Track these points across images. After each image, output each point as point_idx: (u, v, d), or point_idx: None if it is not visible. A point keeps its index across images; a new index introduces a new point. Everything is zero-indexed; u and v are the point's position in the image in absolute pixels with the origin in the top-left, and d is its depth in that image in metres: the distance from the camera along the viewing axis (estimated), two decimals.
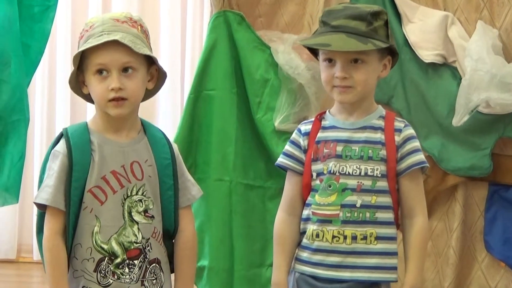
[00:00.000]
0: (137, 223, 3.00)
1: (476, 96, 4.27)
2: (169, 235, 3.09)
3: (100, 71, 2.96)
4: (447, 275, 4.49)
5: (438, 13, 4.45)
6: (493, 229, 4.48)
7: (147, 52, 3.00)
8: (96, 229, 2.97)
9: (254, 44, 4.48)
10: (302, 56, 4.41)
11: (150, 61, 3.04)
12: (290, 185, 3.28)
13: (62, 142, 3.01)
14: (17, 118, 3.99)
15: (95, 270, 2.97)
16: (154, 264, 3.03)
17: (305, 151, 3.24)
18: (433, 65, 4.42)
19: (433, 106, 4.44)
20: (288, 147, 3.29)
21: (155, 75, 3.07)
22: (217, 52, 4.50)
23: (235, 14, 4.49)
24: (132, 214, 2.99)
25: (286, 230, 3.25)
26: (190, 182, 3.16)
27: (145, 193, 3.02)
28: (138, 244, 3.00)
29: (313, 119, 3.28)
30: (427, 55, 4.40)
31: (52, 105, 7.52)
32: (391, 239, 3.19)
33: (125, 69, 2.97)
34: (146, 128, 3.11)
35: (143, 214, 3.01)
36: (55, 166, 2.98)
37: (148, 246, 3.02)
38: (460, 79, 4.36)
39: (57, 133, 7.79)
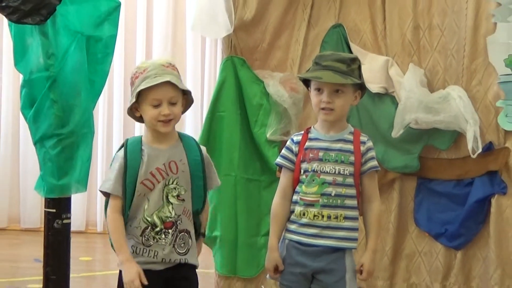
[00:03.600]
0: (171, 203, 3.03)
1: (408, 116, 4.28)
2: (198, 213, 3.12)
3: (155, 103, 3.00)
4: (388, 242, 4.46)
5: (381, 58, 4.43)
6: (420, 210, 4.46)
7: (186, 88, 3.06)
8: (146, 207, 3.02)
9: (252, 79, 4.47)
10: (286, 88, 4.41)
11: (183, 92, 3.09)
12: (284, 178, 3.30)
13: (122, 149, 3.06)
14: (86, 131, 3.96)
15: (140, 235, 3.02)
16: (183, 233, 3.06)
17: (296, 155, 3.26)
18: (378, 94, 4.40)
19: (378, 123, 4.43)
20: (284, 151, 3.32)
21: (185, 102, 3.11)
22: (226, 85, 4.48)
23: (239, 59, 4.48)
24: (169, 197, 3.03)
25: (279, 210, 3.28)
26: (215, 174, 3.20)
27: (178, 183, 3.04)
28: (171, 218, 3.03)
29: (302, 132, 3.31)
30: (374, 87, 4.37)
31: (110, 122, 7.55)
32: (355, 219, 3.25)
33: (171, 102, 3.01)
34: (182, 137, 3.14)
35: (176, 197, 3.03)
36: (116, 165, 3.03)
37: (179, 220, 3.05)
38: (397, 104, 4.35)
39: (114, 142, 7.92)
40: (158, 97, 2.99)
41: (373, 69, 4.39)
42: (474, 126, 4.19)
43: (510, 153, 4.29)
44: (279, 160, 3.32)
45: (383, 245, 4.45)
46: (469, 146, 4.19)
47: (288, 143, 3.33)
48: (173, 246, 3.04)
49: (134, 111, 3.07)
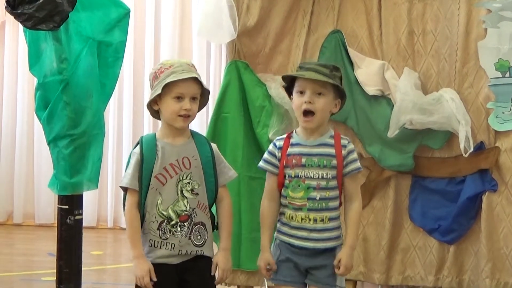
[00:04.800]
0: (186, 197, 3.03)
1: (403, 117, 4.28)
2: (211, 206, 3.13)
3: (178, 97, 3.00)
4: (384, 237, 4.46)
5: (378, 62, 4.42)
6: (414, 206, 4.45)
7: (207, 88, 3.10)
8: (159, 201, 3.02)
9: (255, 82, 4.46)
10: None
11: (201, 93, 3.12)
12: (269, 182, 3.30)
13: (138, 146, 3.07)
14: (97, 132, 3.94)
15: (157, 229, 3.02)
16: (199, 226, 3.06)
17: (279, 160, 3.26)
18: (374, 96, 4.39)
19: (374, 124, 4.41)
20: (266, 156, 3.31)
21: (200, 102, 3.13)
22: (230, 88, 4.48)
23: (242, 62, 4.48)
24: (183, 192, 3.03)
25: (267, 212, 3.28)
26: (227, 168, 3.19)
27: (192, 178, 3.05)
28: (187, 212, 3.03)
29: (284, 136, 3.30)
30: (371, 90, 4.37)
31: (120, 123, 7.57)
32: (337, 218, 3.27)
33: (193, 97, 3.03)
34: (194, 135, 3.16)
35: (190, 192, 3.04)
36: (133, 161, 3.04)
37: (194, 214, 3.05)
38: (393, 106, 4.34)
39: (124, 142, 7.94)
40: (182, 91, 3.01)
41: (370, 73, 4.39)
42: (466, 126, 4.20)
43: (500, 152, 4.29)
44: (262, 164, 3.31)
45: (380, 240, 4.46)
46: (461, 146, 4.19)
47: (270, 147, 3.32)
48: (189, 238, 3.05)
49: (153, 104, 3.06)
